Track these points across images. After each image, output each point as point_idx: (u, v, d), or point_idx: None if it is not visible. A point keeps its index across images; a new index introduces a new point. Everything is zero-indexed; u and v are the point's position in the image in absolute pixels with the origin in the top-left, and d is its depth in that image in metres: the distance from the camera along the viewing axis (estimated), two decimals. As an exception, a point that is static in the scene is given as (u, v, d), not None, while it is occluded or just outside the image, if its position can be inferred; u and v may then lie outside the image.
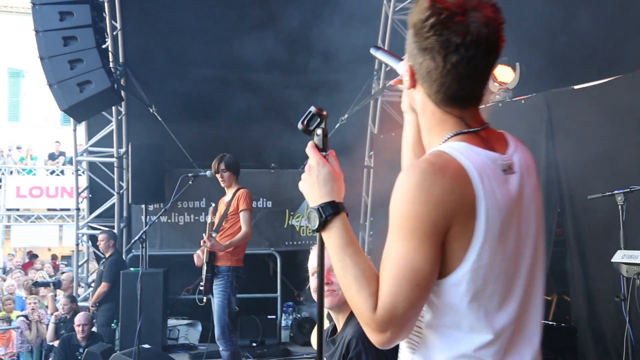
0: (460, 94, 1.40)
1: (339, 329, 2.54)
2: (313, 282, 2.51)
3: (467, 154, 1.37)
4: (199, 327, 8.35)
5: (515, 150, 1.49)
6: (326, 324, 2.67)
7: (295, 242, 8.67)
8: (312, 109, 1.60)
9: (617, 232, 4.22)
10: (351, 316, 2.40)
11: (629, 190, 4.15)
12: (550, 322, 5.22)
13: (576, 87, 5.49)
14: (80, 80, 6.53)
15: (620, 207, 4.14)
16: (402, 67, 1.56)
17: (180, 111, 8.40)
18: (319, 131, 1.60)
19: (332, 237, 1.48)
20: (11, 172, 16.30)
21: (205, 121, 8.15)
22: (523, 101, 6.17)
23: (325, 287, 2.40)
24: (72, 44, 6.51)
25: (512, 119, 6.20)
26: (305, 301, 8.51)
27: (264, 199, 8.62)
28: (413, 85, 1.46)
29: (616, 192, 4.18)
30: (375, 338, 1.38)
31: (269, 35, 7.34)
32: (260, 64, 8.05)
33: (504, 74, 6.49)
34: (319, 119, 1.61)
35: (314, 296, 2.42)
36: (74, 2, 6.59)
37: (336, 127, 8.21)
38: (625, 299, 4.06)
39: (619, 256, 3.97)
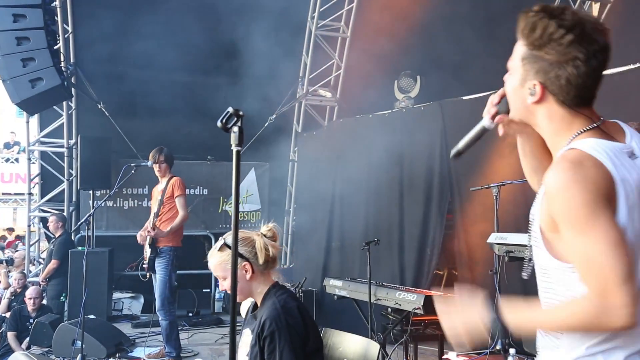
0: (593, 93, 1.44)
1: (259, 305, 2.43)
2: (222, 285, 2.43)
3: (598, 148, 1.36)
4: (142, 300, 8.23)
5: (632, 137, 1.47)
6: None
7: (228, 226, 8.66)
8: (230, 109, 1.60)
9: (492, 217, 4.48)
10: (266, 297, 2.34)
11: (501, 183, 4.40)
12: (440, 293, 5.44)
13: (464, 97, 5.74)
14: (32, 77, 6.33)
15: (494, 197, 4.39)
16: (487, 120, 1.61)
17: (126, 108, 8.24)
18: (235, 129, 1.60)
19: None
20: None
21: (148, 117, 8.00)
22: (422, 108, 6.39)
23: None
24: (25, 44, 6.29)
25: (414, 123, 6.43)
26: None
27: (201, 187, 8.56)
28: (541, 99, 1.45)
29: (492, 185, 4.41)
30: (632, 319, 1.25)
31: (206, 42, 7.31)
32: (198, 67, 8.01)
33: (408, 84, 6.70)
34: (235, 118, 1.60)
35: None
36: (27, 6, 6.37)
37: (265, 125, 8.24)
38: (496, 273, 4.31)
39: (493, 237, 4.21)
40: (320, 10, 7.93)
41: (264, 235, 2.41)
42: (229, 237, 2.37)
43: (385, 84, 6.96)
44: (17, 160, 15.82)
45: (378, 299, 5.05)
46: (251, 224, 8.57)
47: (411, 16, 6.31)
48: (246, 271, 2.32)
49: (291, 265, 8.72)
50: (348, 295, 5.53)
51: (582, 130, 1.42)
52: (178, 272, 6.00)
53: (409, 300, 4.70)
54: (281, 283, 2.48)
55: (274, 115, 8.27)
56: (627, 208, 1.32)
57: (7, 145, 16.57)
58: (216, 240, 7.76)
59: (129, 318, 7.95)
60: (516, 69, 1.48)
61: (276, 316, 2.22)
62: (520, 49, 1.46)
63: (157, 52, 7.10)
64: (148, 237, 5.61)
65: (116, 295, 8.20)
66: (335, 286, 5.78)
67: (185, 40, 7.38)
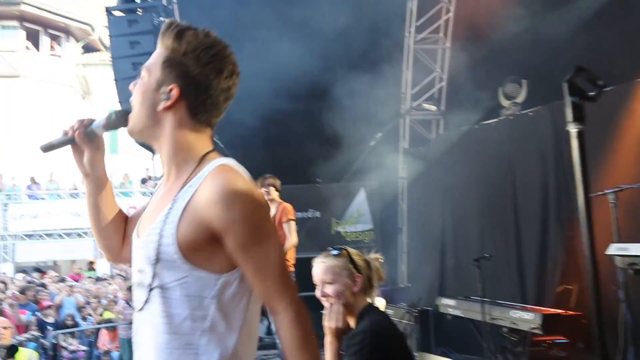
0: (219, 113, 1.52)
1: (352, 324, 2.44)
2: (318, 291, 2.48)
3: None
4: (265, 322, 8.48)
5: None
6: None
7: (342, 246, 8.70)
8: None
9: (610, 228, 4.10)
10: (360, 316, 2.37)
11: (618, 189, 4.03)
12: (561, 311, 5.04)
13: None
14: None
15: (612, 204, 4.02)
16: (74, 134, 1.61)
17: (236, 138, 8.61)
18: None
19: None
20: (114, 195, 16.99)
21: (257, 146, 8.28)
22: (531, 113, 6.06)
23: (324, 299, 2.41)
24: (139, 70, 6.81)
25: (523, 130, 6.10)
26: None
27: (313, 210, 8.71)
28: (173, 105, 1.51)
29: (607, 191, 4.06)
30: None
31: (305, 67, 7.45)
32: (306, 93, 8.18)
33: (513, 90, 6.40)
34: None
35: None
36: (144, 54, 6.89)
37: (371, 144, 8.22)
38: (620, 288, 3.93)
39: (613, 249, 3.85)
40: (417, 24, 7.84)
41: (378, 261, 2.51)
42: (349, 249, 2.51)
43: (490, 92, 6.69)
44: (151, 193, 17.12)
45: (493, 319, 4.82)
46: (364, 244, 8.55)
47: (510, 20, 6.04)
48: (355, 284, 2.38)
49: (408, 285, 8.56)
50: (462, 315, 5.33)
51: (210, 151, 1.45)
52: (296, 294, 6.09)
53: (526, 319, 4.44)
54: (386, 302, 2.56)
55: (379, 134, 8.24)
56: None
57: (144, 180, 18.10)
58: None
59: (253, 340, 8.21)
60: (153, 71, 1.44)
61: (363, 333, 2.27)
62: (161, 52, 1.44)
63: (258, 82, 7.34)
64: None
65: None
66: (449, 305, 5.60)
67: (284, 67, 7.57)
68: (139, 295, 1.44)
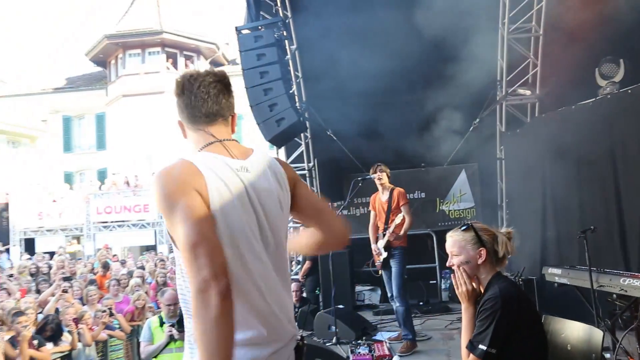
0: (205, 113, 1.73)
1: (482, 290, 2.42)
2: (451, 261, 2.47)
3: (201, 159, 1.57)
4: (379, 292, 8.55)
5: (253, 158, 1.66)
6: None
7: (446, 223, 8.58)
8: None
9: None
10: (489, 284, 2.33)
11: None
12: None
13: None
14: (277, 118, 7.03)
15: None
16: None
17: (350, 131, 8.68)
18: None
19: None
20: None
21: (369, 137, 8.30)
22: (630, 91, 5.57)
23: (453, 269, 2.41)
24: (269, 94, 7.04)
25: (621, 108, 5.63)
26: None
27: (419, 191, 8.63)
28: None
29: None
30: None
31: (411, 60, 7.31)
32: (413, 86, 8.05)
33: (610, 70, 5.91)
34: None
35: None
36: (269, 64, 7.13)
37: (470, 129, 7.97)
38: None
39: None
40: (510, 15, 7.45)
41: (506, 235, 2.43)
42: (476, 224, 2.46)
43: (586, 73, 6.22)
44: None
45: (601, 286, 4.53)
46: (467, 221, 8.33)
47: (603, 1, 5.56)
48: (480, 256, 2.36)
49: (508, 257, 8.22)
50: (569, 283, 5.06)
51: (206, 144, 1.64)
52: (407, 266, 6.11)
53: (636, 286, 4.13)
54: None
55: (477, 120, 7.96)
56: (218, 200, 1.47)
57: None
58: (437, 237, 7.71)
59: (370, 307, 8.29)
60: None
61: (493, 299, 2.23)
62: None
63: (368, 79, 7.34)
64: (382, 242, 5.86)
65: (358, 288, 8.62)
66: (555, 274, 5.34)
67: (393, 63, 7.48)
68: None
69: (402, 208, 5.82)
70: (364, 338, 6.04)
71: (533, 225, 6.99)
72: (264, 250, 1.55)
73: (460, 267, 2.37)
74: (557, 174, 6.55)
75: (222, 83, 1.70)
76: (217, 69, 1.80)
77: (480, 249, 2.36)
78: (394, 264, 5.77)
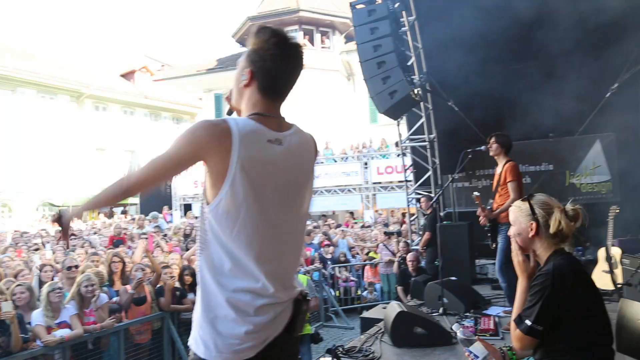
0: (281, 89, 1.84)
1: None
2: (511, 230, 2.42)
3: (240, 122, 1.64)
4: (489, 268, 8.23)
5: (291, 134, 1.74)
6: None
7: (577, 197, 7.87)
8: None
9: None
10: (547, 261, 2.26)
11: None
12: None
13: None
14: (390, 90, 7.06)
15: None
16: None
17: (472, 101, 8.33)
18: None
19: None
20: (372, 158, 18.01)
21: (491, 107, 7.92)
22: None
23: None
24: (382, 67, 7.09)
25: None
26: (591, 246, 7.68)
27: (546, 163, 8.02)
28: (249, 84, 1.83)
29: None
30: None
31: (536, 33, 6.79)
32: (528, 53, 7.48)
33: None
34: None
35: None
36: (382, 37, 7.16)
37: (606, 96, 7.16)
38: None
39: None
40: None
41: (566, 212, 2.32)
42: (538, 196, 2.43)
43: None
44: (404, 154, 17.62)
45: None
46: (601, 195, 7.59)
47: None
48: (531, 229, 2.31)
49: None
50: None
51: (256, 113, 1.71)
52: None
53: None
54: None
55: (616, 85, 7.12)
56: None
57: (397, 144, 18.71)
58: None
59: (490, 281, 8.03)
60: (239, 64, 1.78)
61: (545, 275, 2.17)
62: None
63: (493, 47, 6.95)
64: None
65: (482, 261, 8.38)
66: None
67: (510, 31, 7.02)
68: None
69: (508, 185, 5.48)
70: (472, 311, 5.93)
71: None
72: (286, 214, 1.68)
73: (514, 238, 2.33)
74: None
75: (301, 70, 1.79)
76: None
77: (531, 222, 2.30)
78: (500, 239, 5.56)
